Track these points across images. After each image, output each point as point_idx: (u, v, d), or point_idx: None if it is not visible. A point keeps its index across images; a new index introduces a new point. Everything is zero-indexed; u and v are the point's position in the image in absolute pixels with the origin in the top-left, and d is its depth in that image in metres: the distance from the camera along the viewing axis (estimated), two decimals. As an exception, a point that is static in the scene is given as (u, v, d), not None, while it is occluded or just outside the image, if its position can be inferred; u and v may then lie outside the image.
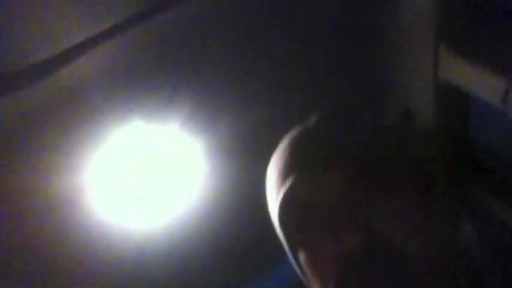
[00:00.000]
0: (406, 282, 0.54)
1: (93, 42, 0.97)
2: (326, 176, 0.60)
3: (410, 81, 1.06)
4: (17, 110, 1.01)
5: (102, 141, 1.11)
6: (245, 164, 1.20)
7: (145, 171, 1.20)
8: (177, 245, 1.35)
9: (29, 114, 1.02)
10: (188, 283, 1.57)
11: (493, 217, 0.87)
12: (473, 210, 0.80)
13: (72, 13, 0.89)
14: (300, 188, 0.62)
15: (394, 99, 1.10)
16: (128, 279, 1.40)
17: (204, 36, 1.05)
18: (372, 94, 1.09)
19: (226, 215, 1.31)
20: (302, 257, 0.63)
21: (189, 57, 1.10)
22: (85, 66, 0.98)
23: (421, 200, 0.60)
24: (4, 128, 1.01)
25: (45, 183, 1.10)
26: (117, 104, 1.08)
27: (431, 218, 0.60)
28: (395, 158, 0.64)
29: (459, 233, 0.64)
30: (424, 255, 0.55)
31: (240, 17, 1.02)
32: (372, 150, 0.63)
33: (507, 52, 0.86)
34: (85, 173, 1.13)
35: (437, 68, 0.97)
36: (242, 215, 1.32)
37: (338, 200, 0.59)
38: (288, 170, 0.64)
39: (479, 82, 0.90)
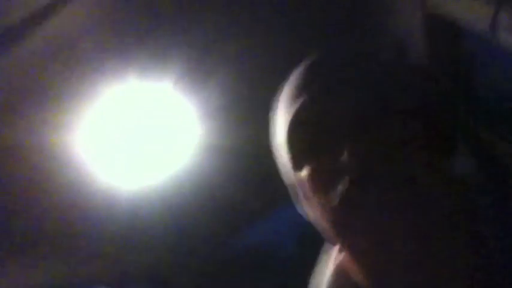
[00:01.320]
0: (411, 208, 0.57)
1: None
2: (333, 99, 0.63)
3: (401, 18, 1.04)
4: (11, 66, 1.02)
5: (96, 99, 1.12)
6: (238, 123, 1.20)
7: (139, 130, 1.20)
8: (171, 204, 1.37)
9: (22, 70, 1.03)
10: (182, 239, 1.59)
11: (491, 152, 0.88)
12: (471, 144, 0.81)
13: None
14: (308, 110, 0.64)
15: (386, 38, 1.08)
16: (123, 237, 1.42)
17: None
18: (365, 38, 1.08)
19: (220, 173, 1.32)
20: (306, 174, 0.64)
21: (181, 15, 1.09)
22: (76, 16, 0.98)
23: (420, 129, 0.63)
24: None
25: (39, 138, 1.11)
26: (110, 61, 1.08)
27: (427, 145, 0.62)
28: (396, 87, 0.66)
29: (455, 162, 0.66)
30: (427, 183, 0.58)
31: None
32: (380, 80, 0.65)
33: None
34: (79, 130, 1.14)
35: (425, 2, 0.97)
36: (235, 173, 1.33)
37: (345, 124, 0.61)
38: (301, 90, 0.66)
39: (467, 12, 0.90)
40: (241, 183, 1.35)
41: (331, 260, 0.70)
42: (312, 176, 0.63)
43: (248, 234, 1.66)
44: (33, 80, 1.05)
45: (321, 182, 0.62)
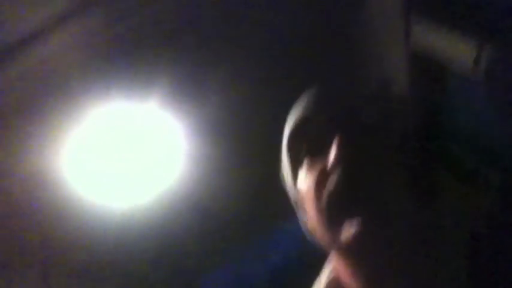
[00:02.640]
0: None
1: (66, 17, 0.97)
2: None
3: (385, 52, 1.05)
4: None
5: (80, 122, 1.12)
6: (225, 142, 1.20)
7: (125, 150, 1.20)
8: (158, 224, 1.36)
9: (9, 91, 1.04)
10: (170, 261, 1.58)
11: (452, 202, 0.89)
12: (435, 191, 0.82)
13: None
14: (308, 120, 0.69)
15: (369, 72, 1.09)
16: (109, 257, 1.40)
17: (183, 16, 1.05)
18: (349, 71, 1.08)
19: (208, 193, 1.31)
20: (303, 175, 0.68)
21: (167, 35, 1.10)
22: (63, 40, 0.99)
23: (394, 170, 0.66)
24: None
25: (24, 158, 1.11)
26: (94, 83, 1.08)
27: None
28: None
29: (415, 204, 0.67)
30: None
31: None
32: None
33: (477, 16, 0.86)
34: (65, 150, 1.14)
35: (409, 36, 0.97)
36: (224, 193, 1.32)
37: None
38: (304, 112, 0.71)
39: (451, 47, 0.91)
40: (232, 200, 1.34)
41: (324, 274, 0.72)
42: (305, 179, 0.67)
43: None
44: (20, 101, 1.05)
45: (312, 184, 0.65)
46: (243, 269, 1.62)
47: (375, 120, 0.67)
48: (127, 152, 1.21)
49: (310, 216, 0.67)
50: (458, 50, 0.88)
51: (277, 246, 1.59)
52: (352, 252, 0.62)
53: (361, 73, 1.10)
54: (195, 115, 1.18)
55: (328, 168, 0.63)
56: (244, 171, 1.30)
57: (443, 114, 0.98)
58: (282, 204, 0.79)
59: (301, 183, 0.68)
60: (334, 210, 0.61)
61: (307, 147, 0.69)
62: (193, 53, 1.14)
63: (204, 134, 1.20)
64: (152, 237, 1.38)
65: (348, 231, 0.60)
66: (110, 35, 1.06)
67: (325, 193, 0.62)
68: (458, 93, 0.98)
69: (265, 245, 1.61)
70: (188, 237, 1.43)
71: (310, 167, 0.67)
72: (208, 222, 1.40)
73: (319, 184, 0.64)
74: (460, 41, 0.87)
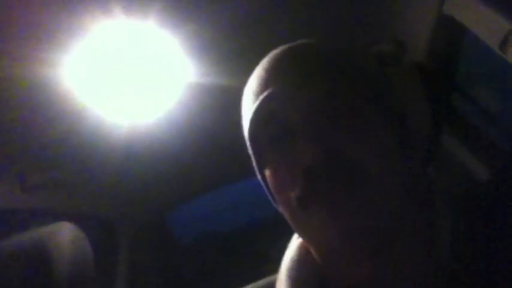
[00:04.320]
0: (361, 196, 0.57)
1: None
2: (300, 91, 0.61)
3: (414, 13, 0.98)
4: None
5: (84, 34, 1.08)
6: (226, 60, 1.16)
7: (125, 68, 1.19)
8: (162, 140, 1.37)
9: (8, 5, 0.98)
10: (173, 176, 1.62)
11: (454, 160, 0.88)
12: (438, 151, 0.81)
13: None
14: (274, 101, 0.62)
15: (391, 29, 1.03)
16: (116, 172, 1.44)
17: None
18: (369, 23, 1.02)
19: (209, 111, 1.30)
20: (268, 173, 0.65)
21: None
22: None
23: (388, 129, 0.62)
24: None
25: (27, 71, 1.09)
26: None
27: (394, 147, 0.62)
28: (373, 83, 0.64)
29: (419, 164, 0.66)
30: (380, 173, 0.58)
31: None
32: (348, 73, 0.62)
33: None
34: (67, 65, 1.11)
35: (442, 3, 0.91)
36: (226, 111, 1.31)
37: (307, 116, 0.60)
38: (266, 83, 0.64)
39: (482, 22, 0.86)
40: (232, 123, 1.34)
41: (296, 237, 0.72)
42: (273, 175, 0.63)
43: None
44: (21, 14, 1.01)
45: (280, 182, 0.62)
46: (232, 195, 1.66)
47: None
48: (127, 70, 1.20)
49: (278, 200, 0.65)
50: (489, 26, 0.84)
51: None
52: (319, 252, 0.62)
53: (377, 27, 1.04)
54: (195, 33, 1.12)
55: (296, 167, 0.59)
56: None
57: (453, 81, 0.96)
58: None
59: (270, 173, 0.64)
60: (302, 208, 0.59)
61: (273, 136, 0.62)
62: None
63: (204, 52, 1.16)
64: (155, 154, 1.40)
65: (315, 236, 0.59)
66: None
67: (295, 193, 0.59)
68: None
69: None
70: (193, 153, 1.44)
71: (280, 156, 0.62)
72: (213, 140, 1.41)
73: (290, 180, 0.60)
74: (492, 17, 0.82)
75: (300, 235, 0.66)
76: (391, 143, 0.62)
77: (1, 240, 1.00)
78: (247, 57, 1.14)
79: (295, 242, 0.71)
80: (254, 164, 0.68)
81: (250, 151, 0.68)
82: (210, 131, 1.40)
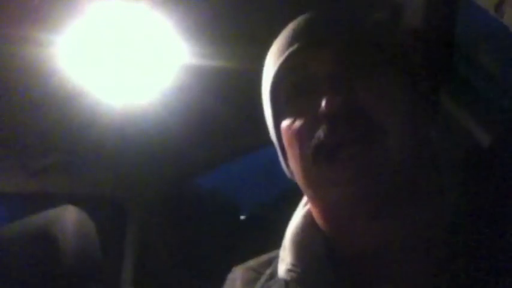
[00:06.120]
0: (378, 151, 0.59)
1: None
2: (325, 47, 0.65)
3: None
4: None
5: (77, 16, 1.06)
6: (221, 41, 1.15)
7: (119, 49, 1.17)
8: (157, 122, 1.37)
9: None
10: (168, 159, 1.63)
11: (456, 124, 0.88)
12: (441, 114, 0.81)
13: None
14: (300, 55, 0.66)
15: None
16: (111, 154, 1.44)
17: None
18: None
19: (204, 92, 1.30)
20: (286, 126, 0.67)
21: None
22: None
23: (400, 82, 0.64)
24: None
25: (20, 51, 1.08)
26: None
27: (406, 100, 0.64)
28: (382, 42, 0.67)
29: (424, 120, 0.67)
30: (396, 134, 0.60)
31: None
32: (362, 34, 0.66)
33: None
34: (61, 45, 1.11)
35: None
36: (221, 92, 1.30)
37: (331, 70, 0.63)
38: (292, 40, 0.68)
39: None
40: (228, 104, 1.33)
41: (302, 204, 0.75)
42: (290, 127, 0.66)
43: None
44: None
45: (298, 132, 0.64)
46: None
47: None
48: (122, 51, 1.19)
49: (292, 157, 0.68)
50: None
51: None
52: (330, 210, 0.63)
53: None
54: (190, 14, 1.11)
55: (318, 115, 0.61)
56: (243, 71, 1.27)
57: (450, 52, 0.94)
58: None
59: (287, 125, 0.66)
60: (319, 159, 0.62)
61: (295, 88, 0.66)
62: None
63: (199, 33, 1.15)
64: (150, 137, 1.40)
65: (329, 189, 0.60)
66: None
67: (314, 141, 0.62)
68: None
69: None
70: (188, 135, 1.45)
71: (299, 109, 0.65)
72: (209, 121, 1.41)
73: (309, 130, 0.63)
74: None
75: (310, 192, 0.67)
76: (408, 105, 0.64)
77: (8, 224, 1.02)
78: (243, 38, 1.14)
79: (300, 211, 0.73)
80: (270, 121, 0.71)
81: (267, 108, 0.72)
82: (205, 111, 1.40)
